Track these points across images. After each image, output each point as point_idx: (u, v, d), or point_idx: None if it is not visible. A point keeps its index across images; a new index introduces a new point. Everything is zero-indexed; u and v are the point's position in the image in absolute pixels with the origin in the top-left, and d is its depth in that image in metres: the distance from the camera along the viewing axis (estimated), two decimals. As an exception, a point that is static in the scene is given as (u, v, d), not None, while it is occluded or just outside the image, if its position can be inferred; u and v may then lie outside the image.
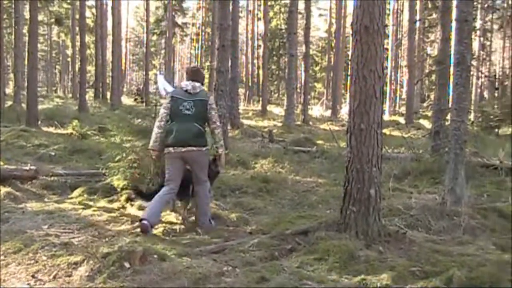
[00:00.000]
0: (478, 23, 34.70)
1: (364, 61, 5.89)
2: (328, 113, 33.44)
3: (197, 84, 6.69)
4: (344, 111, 34.30)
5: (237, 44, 18.83)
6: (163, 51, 61.16)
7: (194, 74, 6.81)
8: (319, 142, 16.80)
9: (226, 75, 12.01)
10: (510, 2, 34.38)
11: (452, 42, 8.11)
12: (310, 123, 24.32)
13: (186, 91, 6.60)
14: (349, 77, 6.10)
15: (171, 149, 6.54)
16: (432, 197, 8.84)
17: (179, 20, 55.74)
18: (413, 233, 6.63)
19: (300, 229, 6.33)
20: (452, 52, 7.89)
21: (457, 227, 7.16)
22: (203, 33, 56.89)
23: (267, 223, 7.12)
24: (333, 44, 43.31)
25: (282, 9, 54.24)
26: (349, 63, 6.08)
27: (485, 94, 44.37)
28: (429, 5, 32.55)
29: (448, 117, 9.86)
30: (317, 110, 34.57)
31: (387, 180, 10.60)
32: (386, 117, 32.63)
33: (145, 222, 6.27)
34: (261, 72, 44.25)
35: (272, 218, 7.48)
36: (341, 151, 13.40)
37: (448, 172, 8.05)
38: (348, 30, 39.67)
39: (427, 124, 28.28)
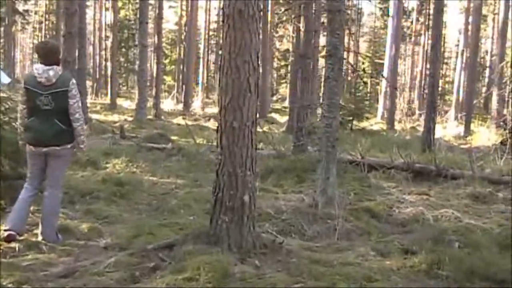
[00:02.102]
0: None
1: (237, 50, 5.16)
2: (180, 106, 32.55)
3: (52, 70, 5.55)
4: (196, 104, 33.67)
5: (84, 32, 17.36)
6: (2, 40, 56.55)
7: (47, 55, 5.64)
8: (174, 138, 15.95)
9: (73, 66, 10.78)
10: None
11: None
12: (162, 117, 23.34)
13: (39, 82, 5.48)
14: (219, 69, 5.33)
15: (32, 147, 5.68)
16: (299, 197, 8.42)
17: (20, 7, 51.68)
18: (287, 240, 6.06)
19: (164, 242, 5.49)
20: (325, 44, 7.42)
21: (331, 231, 6.77)
22: (46, 22, 53.37)
23: (124, 235, 6.17)
24: (183, 37, 42.49)
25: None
26: (220, 52, 5.30)
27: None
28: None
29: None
30: (168, 104, 33.54)
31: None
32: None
33: (11, 232, 5.47)
34: (109, 64, 42.23)
35: (129, 228, 6.53)
36: (199, 148, 12.71)
37: (319, 171, 7.62)
38: (200, 23, 39.18)
39: (279, 118, 28.52)
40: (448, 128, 25.71)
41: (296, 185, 9.78)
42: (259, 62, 5.35)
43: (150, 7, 30.22)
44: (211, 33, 51.09)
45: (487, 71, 39.06)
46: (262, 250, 5.37)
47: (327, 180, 7.49)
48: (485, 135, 20.84)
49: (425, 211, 8.00)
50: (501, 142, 16.03)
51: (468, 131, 22.62)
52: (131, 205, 7.98)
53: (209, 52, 41.60)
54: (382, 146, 15.25)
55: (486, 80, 41.43)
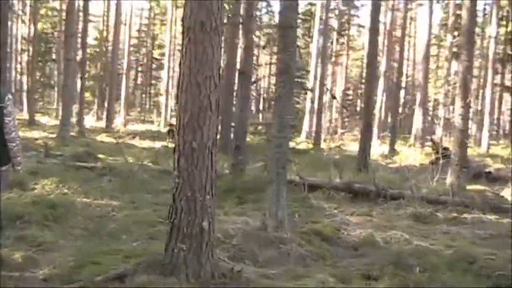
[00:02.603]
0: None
1: (198, 65, 4.82)
2: (101, 123, 31.52)
3: None
4: (118, 121, 32.72)
5: (6, 46, 16.32)
6: None
7: None
8: (102, 156, 15.22)
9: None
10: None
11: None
12: (86, 134, 22.40)
13: None
14: (178, 85, 4.96)
15: None
16: (243, 220, 8.08)
17: None
18: (242, 267, 5.71)
19: (113, 273, 5.04)
20: (276, 60, 7.17)
21: (285, 256, 6.48)
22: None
23: (65, 265, 5.62)
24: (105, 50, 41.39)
25: (50, 12, 50.52)
26: (179, 66, 4.93)
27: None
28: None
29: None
30: (89, 120, 32.41)
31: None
32: (161, 127, 31.88)
33: None
34: (24, 78, 40.42)
35: (68, 256, 5.98)
36: (131, 168, 12.14)
37: (270, 194, 7.32)
38: (122, 37, 38.25)
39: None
40: (372, 147, 26.08)
41: (237, 207, 9.47)
42: (220, 79, 5.01)
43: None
44: (131, 48, 50.25)
45: (402, 92, 40.20)
46: (222, 280, 5.05)
47: (278, 202, 7.22)
48: (410, 155, 21.27)
49: (374, 233, 7.88)
50: (431, 162, 16.33)
51: (393, 150, 23.03)
52: (66, 229, 7.36)
53: (130, 68, 40.58)
54: (315, 166, 15.21)
55: (402, 100, 42.74)
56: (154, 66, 56.28)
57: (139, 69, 56.12)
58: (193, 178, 4.88)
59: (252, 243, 6.68)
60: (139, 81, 57.68)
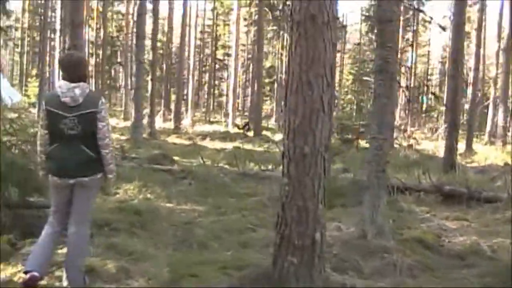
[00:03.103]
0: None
1: (310, 62, 4.41)
2: (168, 124, 31.59)
3: (78, 88, 4.67)
4: (186, 122, 32.76)
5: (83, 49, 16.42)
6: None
7: (74, 68, 4.72)
8: (176, 158, 15.07)
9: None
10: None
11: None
12: (157, 136, 22.43)
13: (63, 103, 4.61)
14: (286, 85, 4.57)
15: (56, 179, 4.76)
16: (335, 226, 7.65)
17: (2, 22, 50.39)
18: (346, 279, 5.29)
19: (218, 287, 4.66)
20: (374, 57, 6.70)
21: (391, 267, 5.98)
22: (28, 38, 52.16)
23: (160, 276, 5.34)
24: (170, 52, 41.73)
25: (115, 16, 51.49)
26: (287, 64, 4.54)
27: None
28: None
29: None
30: (156, 121, 32.59)
31: (271, 204, 9.33)
32: (229, 128, 31.73)
33: (34, 274, 4.53)
34: (93, 81, 41.17)
35: (161, 266, 5.69)
36: (209, 170, 11.88)
37: (367, 199, 6.85)
38: (187, 39, 38.30)
39: (279, 137, 27.74)
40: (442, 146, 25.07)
41: (328, 211, 9.01)
42: (333, 77, 4.59)
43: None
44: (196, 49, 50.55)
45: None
46: (334, 296, 4.60)
47: (377, 208, 6.73)
48: (491, 153, 20.29)
49: (478, 241, 7.32)
50: (517, 162, 15.40)
51: (470, 149, 22.02)
52: (154, 237, 7.10)
53: (195, 69, 40.70)
54: (394, 166, 14.58)
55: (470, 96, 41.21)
56: (217, 66, 56.45)
57: (203, 69, 56.30)
58: (304, 186, 4.48)
59: (353, 252, 6.25)
60: (202, 82, 57.88)
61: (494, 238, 7.61)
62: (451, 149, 12.79)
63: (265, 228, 7.61)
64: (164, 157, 14.04)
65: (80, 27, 9.96)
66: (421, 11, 17.38)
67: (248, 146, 21.37)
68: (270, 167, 13.33)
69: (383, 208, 6.87)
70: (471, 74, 28.49)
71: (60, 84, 4.66)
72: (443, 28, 13.04)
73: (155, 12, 22.26)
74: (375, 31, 6.78)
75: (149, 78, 21.21)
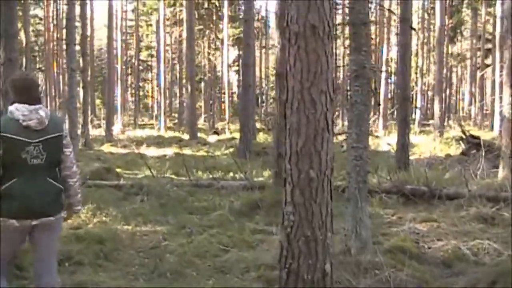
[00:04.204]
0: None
1: (312, 78, 3.99)
2: (97, 131, 30.36)
3: (42, 110, 4.00)
4: (116, 128, 31.69)
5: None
6: None
7: (31, 89, 4.03)
8: (119, 170, 14.32)
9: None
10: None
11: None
12: (92, 146, 21.43)
13: (26, 127, 3.93)
14: (285, 103, 4.13)
15: (13, 221, 3.91)
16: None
17: None
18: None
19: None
20: (349, 63, 6.35)
21: (386, 284, 5.67)
22: None
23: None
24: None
25: (32, 20, 49.27)
26: (285, 79, 4.11)
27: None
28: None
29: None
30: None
31: (234, 219, 8.88)
32: (162, 132, 30.96)
33: None
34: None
35: (140, 304, 5.14)
36: (159, 182, 11.26)
37: (349, 212, 6.51)
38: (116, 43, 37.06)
39: (213, 139, 27.22)
40: (382, 139, 25.30)
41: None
42: (335, 92, 4.19)
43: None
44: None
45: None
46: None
47: (360, 221, 6.40)
48: (429, 144, 20.57)
49: (458, 245, 7.18)
50: (463, 153, 15.59)
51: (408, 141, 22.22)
52: (122, 268, 6.48)
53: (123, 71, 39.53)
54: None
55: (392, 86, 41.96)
56: (140, 68, 55.29)
57: (128, 71, 54.95)
58: (312, 214, 4.07)
59: (342, 271, 5.88)
60: (128, 84, 56.50)
61: (470, 240, 7.51)
62: (403, 145, 12.72)
63: (237, 248, 7.20)
64: (107, 171, 13.25)
65: (15, 37, 9.12)
66: (393, 12, 17.30)
67: (188, 151, 20.76)
68: (219, 174, 12.90)
69: (366, 220, 6.55)
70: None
71: (17, 107, 3.93)
72: (414, 29, 12.93)
73: (83, 16, 21.22)
74: (349, 34, 6.39)
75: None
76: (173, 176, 13.23)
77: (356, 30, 6.23)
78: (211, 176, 12.31)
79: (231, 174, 13.21)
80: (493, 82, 26.41)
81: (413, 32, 14.68)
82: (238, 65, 51.47)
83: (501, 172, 11.20)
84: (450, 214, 9.27)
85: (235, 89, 54.91)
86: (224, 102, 44.42)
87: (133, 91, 54.13)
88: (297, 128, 4.04)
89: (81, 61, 19.86)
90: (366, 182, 6.50)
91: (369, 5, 6.56)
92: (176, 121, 41.12)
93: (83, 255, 6.60)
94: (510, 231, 8.16)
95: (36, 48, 49.02)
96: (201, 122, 40.82)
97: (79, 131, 19.38)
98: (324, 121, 4.03)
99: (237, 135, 26.05)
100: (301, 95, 4.00)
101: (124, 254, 6.99)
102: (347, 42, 31.99)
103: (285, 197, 4.19)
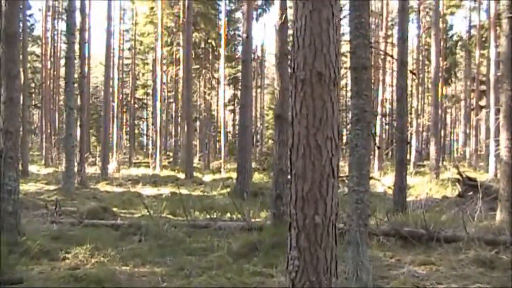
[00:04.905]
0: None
1: (318, 124, 4.02)
2: (92, 169, 30.24)
3: None
4: (111, 166, 31.58)
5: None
6: None
7: None
8: (116, 209, 14.27)
9: (16, 137, 9.12)
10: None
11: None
12: (87, 184, 21.34)
13: None
14: (290, 149, 4.17)
15: None
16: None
17: None
18: None
19: None
20: (350, 106, 6.42)
21: (389, 331, 5.64)
22: None
23: None
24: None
25: (29, 57, 49.60)
26: (292, 124, 4.16)
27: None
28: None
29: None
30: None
31: (233, 260, 8.82)
32: (158, 171, 30.88)
33: None
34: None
35: None
36: (156, 223, 11.20)
37: (350, 255, 6.50)
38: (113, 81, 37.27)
39: (208, 178, 27.18)
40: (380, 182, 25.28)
41: (293, 264, 8.59)
42: (340, 138, 4.24)
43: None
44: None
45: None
46: None
47: (361, 264, 6.39)
48: (425, 186, 20.60)
49: (459, 291, 7.16)
50: (459, 195, 15.62)
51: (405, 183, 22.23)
52: (121, 312, 6.46)
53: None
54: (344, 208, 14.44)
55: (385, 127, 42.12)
56: (136, 106, 55.43)
57: (123, 109, 55.09)
58: (317, 259, 4.05)
59: (343, 316, 5.87)
60: (123, 122, 56.58)
61: (471, 284, 7.56)
62: (400, 187, 12.74)
63: (238, 292, 7.16)
64: (104, 210, 13.21)
65: (17, 78, 9.22)
66: (391, 56, 17.52)
67: (184, 190, 20.70)
68: (216, 215, 12.86)
69: (367, 264, 6.54)
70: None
71: None
72: (414, 73, 13.09)
73: (82, 55, 21.43)
74: (351, 79, 6.48)
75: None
76: (170, 216, 13.20)
77: (357, 74, 6.33)
78: (208, 216, 12.27)
79: (228, 214, 13.17)
80: (488, 123, 26.53)
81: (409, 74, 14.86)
82: (233, 104, 51.83)
83: (499, 215, 11.21)
84: (449, 257, 9.26)
85: (229, 128, 55.07)
86: (219, 141, 44.53)
87: (127, 129, 54.15)
88: (303, 174, 4.06)
89: (78, 99, 20.02)
90: (367, 226, 6.52)
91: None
92: (171, 159, 41.08)
93: (83, 299, 6.56)
94: (510, 275, 8.18)
95: (33, 85, 49.19)
96: (195, 161, 40.74)
97: (75, 169, 19.41)
98: (330, 167, 4.06)
99: (232, 174, 26.12)
100: (306, 141, 4.03)
101: (123, 297, 6.94)
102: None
103: (290, 242, 4.18)
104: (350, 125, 6.56)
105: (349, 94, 7.66)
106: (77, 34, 20.42)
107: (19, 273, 7.33)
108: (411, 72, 12.44)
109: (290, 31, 7.79)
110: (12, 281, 6.78)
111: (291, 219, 4.17)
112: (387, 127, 37.29)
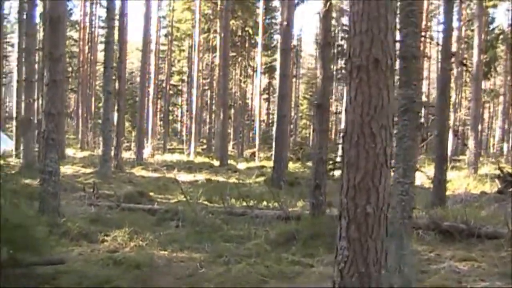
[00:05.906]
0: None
1: (373, 112, 3.93)
2: (127, 154, 30.53)
3: None
4: (146, 152, 31.81)
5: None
6: None
7: None
8: (152, 194, 14.36)
9: (58, 119, 9.20)
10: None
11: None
12: (123, 168, 21.53)
13: None
14: (343, 136, 4.08)
15: None
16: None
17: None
18: None
19: None
20: (397, 97, 6.28)
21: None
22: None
23: None
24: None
25: (66, 42, 50.18)
26: (343, 112, 4.06)
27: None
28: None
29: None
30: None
31: (271, 249, 8.77)
32: (192, 157, 31.01)
33: None
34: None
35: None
36: (193, 209, 11.21)
37: (393, 248, 6.35)
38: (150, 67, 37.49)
39: (242, 166, 27.21)
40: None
41: (330, 253, 8.51)
42: (394, 128, 4.14)
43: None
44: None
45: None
46: None
47: (404, 258, 6.26)
48: (463, 181, 20.24)
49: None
50: (499, 191, 15.30)
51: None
52: (163, 298, 6.45)
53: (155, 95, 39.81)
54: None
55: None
56: (171, 92, 55.61)
57: (159, 96, 55.37)
58: (367, 250, 3.98)
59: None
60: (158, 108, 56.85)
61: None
62: (440, 181, 12.52)
63: (275, 280, 7.09)
64: (140, 195, 13.31)
65: (60, 60, 9.28)
66: (441, 45, 17.18)
67: (219, 177, 20.75)
68: (252, 203, 12.81)
69: (410, 257, 6.41)
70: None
71: None
72: (465, 65, 12.86)
73: (121, 40, 21.55)
74: (399, 68, 6.32)
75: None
76: (206, 203, 13.19)
77: (406, 64, 6.19)
78: (245, 204, 12.24)
79: (264, 203, 13.11)
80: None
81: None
82: (268, 93, 51.67)
83: (544, 213, 10.91)
84: (490, 253, 9.04)
85: (263, 117, 55.00)
86: (252, 129, 44.50)
87: (162, 115, 54.41)
88: (356, 162, 3.98)
89: (116, 84, 20.16)
90: (411, 218, 6.39)
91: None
92: (205, 146, 41.23)
93: (121, 281, 6.57)
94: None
95: (70, 69, 49.77)
96: (229, 149, 40.84)
97: (112, 153, 19.58)
98: (383, 156, 3.97)
99: (266, 163, 26.07)
100: (361, 129, 3.95)
101: (162, 281, 6.96)
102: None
103: (340, 231, 4.10)
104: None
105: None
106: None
107: (58, 254, 7.38)
108: (463, 64, 12.15)
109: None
110: (53, 262, 6.82)
111: (342, 209, 4.10)
112: (422, 119, 36.70)
